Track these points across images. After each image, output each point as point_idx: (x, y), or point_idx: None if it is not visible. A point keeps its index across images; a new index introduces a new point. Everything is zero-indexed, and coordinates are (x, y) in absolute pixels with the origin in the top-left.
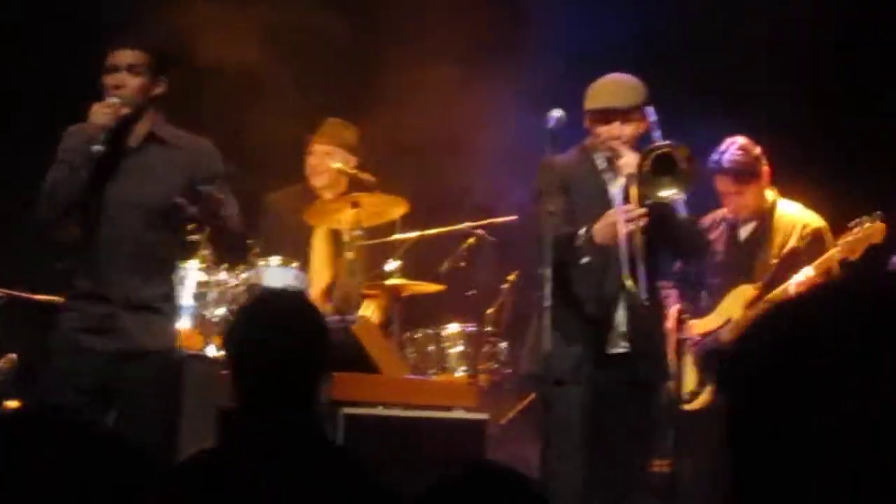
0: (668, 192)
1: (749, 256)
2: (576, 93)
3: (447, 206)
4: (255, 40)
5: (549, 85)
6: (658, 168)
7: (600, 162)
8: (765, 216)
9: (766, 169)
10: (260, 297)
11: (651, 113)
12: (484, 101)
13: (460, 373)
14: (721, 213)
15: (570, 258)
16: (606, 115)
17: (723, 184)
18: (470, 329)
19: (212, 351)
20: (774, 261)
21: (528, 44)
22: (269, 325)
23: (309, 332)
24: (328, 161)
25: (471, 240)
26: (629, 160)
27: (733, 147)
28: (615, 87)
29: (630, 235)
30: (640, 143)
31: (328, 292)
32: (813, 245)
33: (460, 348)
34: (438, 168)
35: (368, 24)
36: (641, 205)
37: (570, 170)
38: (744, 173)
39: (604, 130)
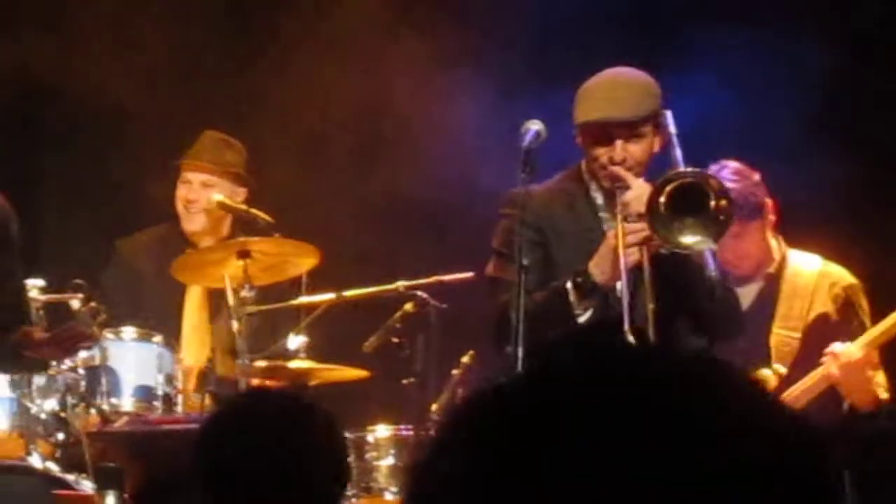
0: (693, 240)
1: (758, 330)
2: (558, 82)
3: (374, 257)
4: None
5: (518, 72)
6: (679, 205)
7: (597, 195)
8: (774, 273)
9: (769, 201)
10: (245, 398)
11: (670, 122)
12: (426, 99)
13: (392, 495)
14: None
15: (559, 320)
16: (605, 131)
17: None
18: (406, 433)
19: (37, 461)
20: (795, 335)
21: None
22: (266, 434)
23: (324, 442)
24: (206, 193)
25: (408, 306)
26: (638, 194)
27: (726, 171)
28: (615, 90)
29: (635, 268)
30: (655, 169)
31: (204, 377)
32: (847, 307)
33: (392, 460)
34: (361, 202)
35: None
36: (653, 258)
37: (552, 207)
38: (746, 207)
39: (602, 152)
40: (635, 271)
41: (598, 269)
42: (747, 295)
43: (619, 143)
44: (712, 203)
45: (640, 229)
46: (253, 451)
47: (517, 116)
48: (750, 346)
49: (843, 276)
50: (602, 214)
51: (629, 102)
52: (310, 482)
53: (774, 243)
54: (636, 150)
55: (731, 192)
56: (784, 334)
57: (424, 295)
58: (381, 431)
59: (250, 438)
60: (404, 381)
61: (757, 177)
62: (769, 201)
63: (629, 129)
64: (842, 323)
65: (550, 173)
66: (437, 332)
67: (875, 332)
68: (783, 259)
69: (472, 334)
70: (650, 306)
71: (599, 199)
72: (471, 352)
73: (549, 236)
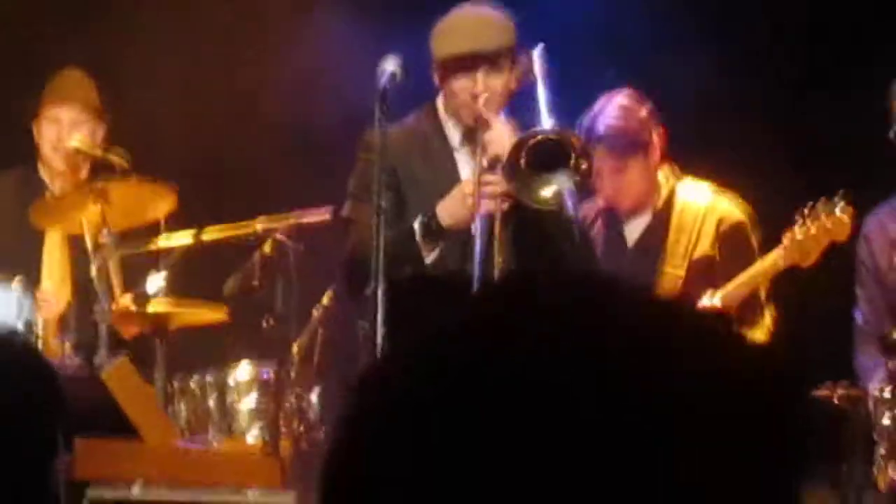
0: (551, 192)
1: (641, 268)
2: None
3: (232, 197)
4: None
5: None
6: (539, 162)
7: (453, 134)
8: (661, 207)
9: (656, 139)
10: None
11: (538, 57)
12: (284, 30)
13: (254, 437)
14: (595, 204)
15: (408, 260)
16: (465, 65)
17: (597, 159)
18: (267, 374)
19: None
20: (679, 273)
21: None
22: None
23: (30, 383)
24: (74, 132)
25: (266, 247)
26: (498, 134)
27: (610, 107)
28: (476, 25)
29: (489, 218)
30: (519, 105)
31: (64, 322)
32: (733, 247)
33: (253, 403)
34: (218, 141)
35: None
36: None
37: (407, 146)
38: (627, 143)
39: (463, 87)
40: (489, 220)
41: (446, 212)
42: (633, 231)
43: (479, 75)
44: (572, 162)
45: (497, 181)
46: None
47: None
48: (635, 285)
49: (731, 212)
50: (458, 156)
51: (489, 35)
52: (27, 427)
53: (662, 176)
54: (496, 83)
55: (592, 151)
56: (671, 272)
57: (282, 236)
58: (242, 373)
59: None
60: (264, 323)
61: (644, 111)
62: (657, 135)
63: (490, 63)
64: (727, 263)
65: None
66: (296, 273)
67: (749, 273)
68: (671, 192)
69: (331, 274)
70: (498, 259)
71: (456, 139)
72: (329, 291)
73: (403, 178)
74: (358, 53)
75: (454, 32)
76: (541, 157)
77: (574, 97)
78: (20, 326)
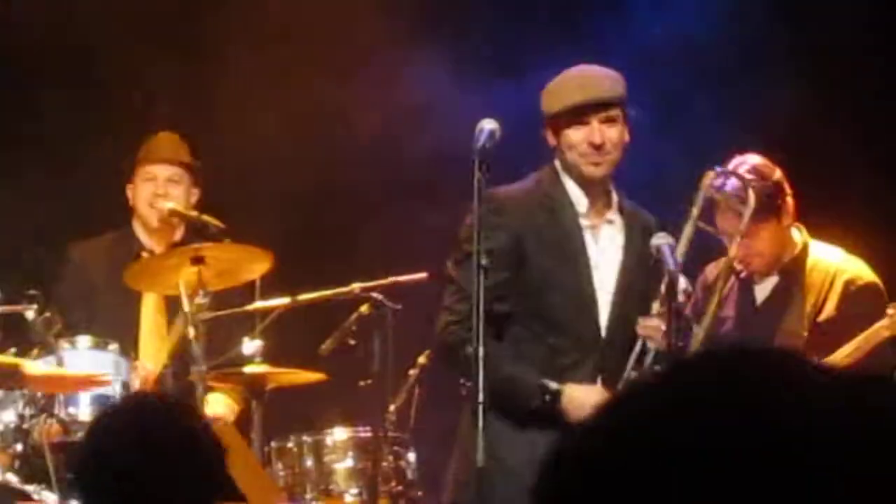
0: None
1: (769, 326)
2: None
3: (327, 259)
4: None
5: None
6: None
7: (579, 198)
8: (792, 268)
9: (790, 201)
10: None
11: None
12: (385, 90)
13: (352, 497)
14: (726, 261)
15: (511, 398)
16: (580, 115)
17: (727, 221)
18: (364, 434)
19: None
20: (803, 333)
21: None
22: (137, 444)
23: (198, 450)
24: (172, 190)
25: (363, 307)
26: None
27: (743, 168)
28: (587, 76)
29: None
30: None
31: (161, 384)
32: (863, 308)
33: (350, 462)
34: (314, 204)
35: None
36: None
37: (533, 212)
38: (761, 206)
39: (579, 137)
40: None
41: (571, 404)
42: (763, 291)
43: (595, 123)
44: None
45: (656, 328)
46: (126, 461)
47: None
48: (763, 341)
49: (861, 273)
50: (582, 221)
51: (603, 85)
52: (174, 487)
53: (798, 236)
54: (612, 133)
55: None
56: (795, 332)
57: (379, 296)
58: (339, 434)
59: (125, 448)
60: (361, 383)
61: (777, 174)
62: (789, 199)
63: (604, 111)
64: (852, 324)
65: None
66: (392, 333)
67: (866, 334)
68: (802, 251)
69: (427, 334)
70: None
71: (583, 205)
72: (427, 351)
73: (529, 244)
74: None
75: (567, 86)
76: None
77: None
78: (118, 389)
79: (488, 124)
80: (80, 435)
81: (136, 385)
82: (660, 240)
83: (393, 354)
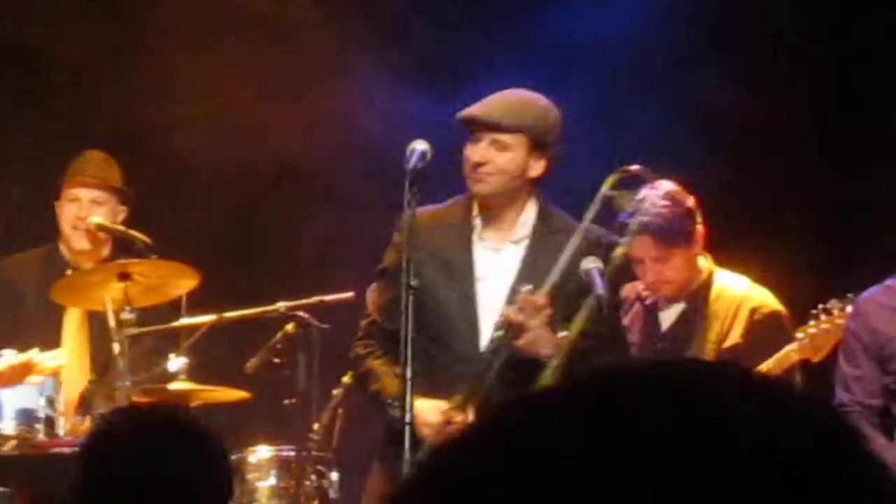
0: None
1: (674, 352)
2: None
3: (254, 277)
4: None
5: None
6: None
7: (475, 213)
8: (697, 295)
9: (700, 228)
10: (115, 417)
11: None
12: (314, 93)
13: None
14: (634, 287)
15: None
16: (472, 131)
17: (640, 247)
18: (287, 453)
19: None
20: (708, 359)
21: None
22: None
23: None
24: (94, 211)
25: (289, 326)
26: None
27: (656, 196)
28: (496, 98)
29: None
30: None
31: (84, 402)
32: (767, 335)
33: (273, 481)
34: (240, 218)
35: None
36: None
37: (424, 228)
38: (671, 234)
39: (466, 153)
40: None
41: (421, 427)
42: (668, 317)
43: (482, 143)
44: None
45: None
46: (135, 470)
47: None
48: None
49: (766, 301)
50: (477, 238)
51: (500, 109)
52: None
53: (705, 263)
54: (498, 157)
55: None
56: (700, 357)
57: (305, 315)
58: (263, 452)
59: (132, 457)
60: (286, 402)
61: (690, 202)
62: (699, 227)
63: (494, 132)
64: (754, 351)
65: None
66: (318, 352)
67: (774, 359)
68: (708, 278)
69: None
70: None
71: (477, 219)
72: (351, 371)
73: (420, 261)
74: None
75: (477, 101)
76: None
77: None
78: (42, 403)
79: (420, 145)
80: (6, 448)
81: (60, 400)
82: (590, 263)
83: (318, 373)
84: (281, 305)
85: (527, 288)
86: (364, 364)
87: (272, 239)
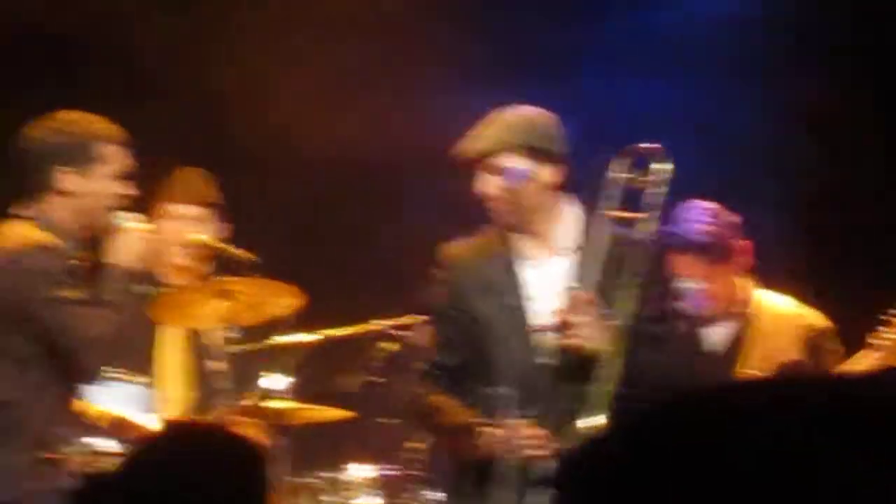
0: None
1: (724, 373)
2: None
3: (359, 296)
4: None
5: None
6: None
7: (509, 235)
8: (746, 314)
9: (742, 246)
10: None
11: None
12: (416, 118)
13: None
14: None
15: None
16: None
17: (684, 264)
18: (388, 472)
19: None
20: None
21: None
22: (177, 475)
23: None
24: (198, 228)
25: (387, 345)
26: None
27: (699, 212)
28: (477, 128)
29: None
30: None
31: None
32: (822, 354)
33: (370, 500)
34: (346, 237)
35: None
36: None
37: (463, 260)
38: (716, 250)
39: (475, 189)
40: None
41: (485, 447)
42: (716, 335)
43: (484, 175)
44: None
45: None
46: (167, 491)
47: None
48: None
49: (816, 320)
50: (517, 259)
51: (482, 137)
52: None
53: (744, 284)
54: (504, 183)
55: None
56: (752, 374)
57: (409, 333)
58: (362, 472)
59: (166, 479)
60: (382, 421)
61: (734, 219)
62: (743, 244)
63: (486, 161)
64: (812, 369)
65: None
66: (415, 370)
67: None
68: (756, 299)
69: None
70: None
71: (514, 241)
72: (412, 410)
73: (467, 293)
74: None
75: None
76: None
77: None
78: (144, 419)
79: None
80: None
81: (160, 418)
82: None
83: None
84: (381, 324)
85: (573, 286)
86: (425, 402)
87: (384, 257)
